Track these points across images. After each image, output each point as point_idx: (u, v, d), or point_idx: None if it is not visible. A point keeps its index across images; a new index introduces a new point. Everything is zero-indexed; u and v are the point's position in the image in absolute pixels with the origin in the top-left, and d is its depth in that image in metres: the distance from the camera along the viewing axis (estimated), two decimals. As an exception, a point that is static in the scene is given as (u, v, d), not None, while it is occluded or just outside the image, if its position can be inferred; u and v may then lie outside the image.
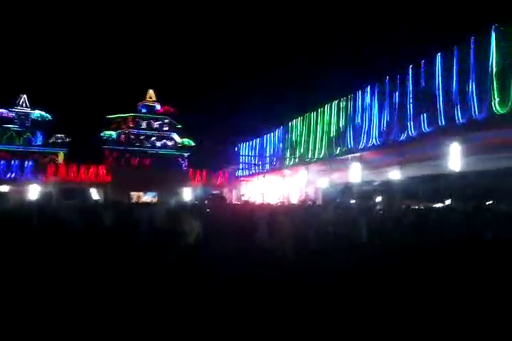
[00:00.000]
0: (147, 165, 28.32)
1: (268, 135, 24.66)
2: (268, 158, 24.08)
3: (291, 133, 21.78)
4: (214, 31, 48.31)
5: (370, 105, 16.13)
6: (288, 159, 21.38)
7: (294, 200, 17.75)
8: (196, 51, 51.53)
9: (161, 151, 30.96)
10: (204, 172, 27.35)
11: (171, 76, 46.52)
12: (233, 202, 20.18)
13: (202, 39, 52.96)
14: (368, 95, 16.38)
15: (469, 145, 11.27)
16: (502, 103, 10.53)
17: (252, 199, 20.19)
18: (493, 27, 11.12)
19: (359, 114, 16.64)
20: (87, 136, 28.22)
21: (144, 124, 30.81)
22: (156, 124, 31.06)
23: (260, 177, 23.53)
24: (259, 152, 25.55)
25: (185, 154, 31.62)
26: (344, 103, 17.80)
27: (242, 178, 26.78)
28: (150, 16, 53.37)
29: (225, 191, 27.69)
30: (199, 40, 48.91)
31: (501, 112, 10.29)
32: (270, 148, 24.23)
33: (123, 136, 30.14)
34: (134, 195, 24.98)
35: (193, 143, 31.46)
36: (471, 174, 10.65)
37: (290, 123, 21.95)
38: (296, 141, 21.09)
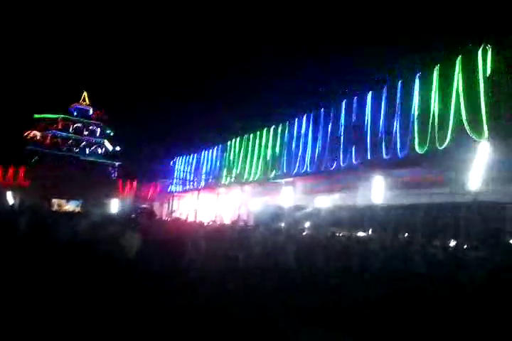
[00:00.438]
0: (73, 171, 26.81)
1: (205, 152, 24.77)
2: (204, 175, 24.10)
3: (229, 153, 22.08)
4: (157, 40, 47.80)
5: (305, 133, 16.95)
6: (224, 178, 21.58)
7: (227, 220, 17.88)
8: (141, 60, 50.57)
9: (90, 158, 29.59)
10: (135, 184, 26.55)
11: (109, 81, 44.94)
12: (163, 218, 19.80)
13: (147, 48, 52.12)
14: (304, 124, 17.25)
15: (391, 179, 12.30)
16: (421, 143, 11.66)
17: (183, 216, 19.98)
18: (418, 75, 12.35)
19: (294, 141, 17.42)
20: (9, 134, 26.17)
21: (74, 128, 29.34)
22: (87, 129, 29.75)
23: (194, 193, 23.41)
24: (195, 168, 25.48)
25: (116, 163, 30.55)
26: (281, 129, 18.55)
27: (174, 193, 26.39)
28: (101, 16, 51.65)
29: (156, 205, 27.08)
30: (144, 49, 48.11)
31: (420, 152, 11.36)
32: (207, 165, 24.31)
33: (49, 137, 28.40)
34: (55, 202, 23.53)
35: (124, 153, 30.58)
36: (390, 207, 11.59)
37: (229, 143, 22.30)
38: (233, 160, 21.43)
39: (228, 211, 20.46)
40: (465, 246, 9.03)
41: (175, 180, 27.20)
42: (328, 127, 15.82)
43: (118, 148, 30.61)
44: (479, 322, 5.97)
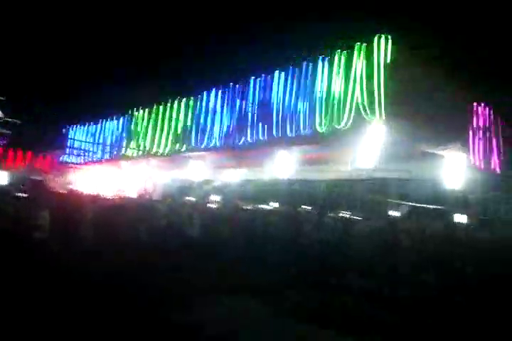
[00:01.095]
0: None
1: (109, 122, 23.38)
2: (105, 146, 22.84)
3: (135, 124, 21.16)
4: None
5: (215, 108, 16.97)
6: (130, 150, 20.73)
7: (132, 194, 17.47)
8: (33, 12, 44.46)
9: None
10: (28, 155, 24.30)
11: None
12: (57, 191, 18.58)
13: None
14: (213, 97, 17.22)
15: (296, 156, 13.07)
16: (322, 123, 12.48)
17: (82, 190, 18.96)
18: (321, 58, 13.00)
19: (203, 115, 17.36)
20: None
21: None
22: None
23: (96, 166, 22.17)
24: (98, 139, 23.99)
25: (7, 131, 27.48)
26: (192, 102, 18.27)
27: (74, 165, 24.69)
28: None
29: (51, 177, 25.15)
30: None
31: (321, 131, 12.20)
32: (111, 136, 23.02)
33: None
34: None
35: (18, 121, 27.56)
36: (293, 182, 12.41)
37: (136, 114, 21.33)
38: (140, 132, 20.62)
39: (134, 185, 19.91)
40: (358, 217, 10.19)
41: (75, 151, 25.39)
42: (237, 103, 16.02)
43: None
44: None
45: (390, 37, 11.00)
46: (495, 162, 12.76)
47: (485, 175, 12.28)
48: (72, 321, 4.55)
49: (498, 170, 12.70)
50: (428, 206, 11.14)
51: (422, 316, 6.13)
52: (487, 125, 13.00)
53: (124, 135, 21.96)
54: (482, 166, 12.31)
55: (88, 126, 25.15)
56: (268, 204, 12.13)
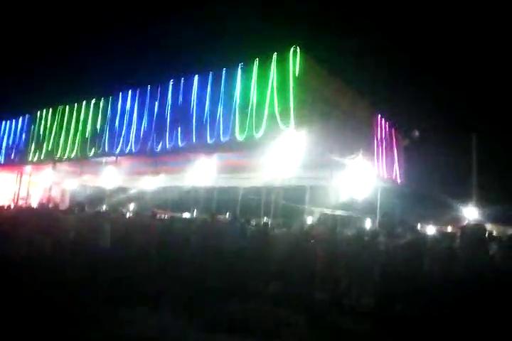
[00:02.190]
0: None
1: (7, 122, 21.16)
2: (4, 150, 20.64)
3: (38, 126, 19.43)
4: None
5: (131, 110, 16.27)
6: (31, 154, 18.97)
7: (35, 203, 16.00)
8: None
9: None
10: None
11: None
12: None
13: None
14: (129, 99, 16.50)
15: (215, 163, 13.09)
16: (241, 130, 12.71)
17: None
18: (240, 65, 13.23)
19: (118, 118, 16.54)
20: None
21: None
22: None
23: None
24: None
25: None
26: (103, 103, 17.31)
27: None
28: None
29: None
30: None
31: (240, 139, 12.40)
32: (8, 138, 20.85)
33: None
34: None
35: None
36: (212, 189, 12.42)
37: (38, 113, 19.60)
38: (43, 134, 18.98)
39: (37, 192, 18.27)
40: (273, 224, 10.53)
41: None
42: (154, 106, 15.54)
43: None
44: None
45: (300, 49, 11.54)
46: (396, 171, 14.12)
47: (388, 184, 13.51)
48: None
49: (398, 179, 14.07)
50: (338, 212, 11.93)
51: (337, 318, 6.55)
52: (387, 137, 14.32)
53: (24, 137, 20.07)
54: (385, 176, 13.52)
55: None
56: (186, 212, 11.97)
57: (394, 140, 14.87)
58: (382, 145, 13.90)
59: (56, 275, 7.66)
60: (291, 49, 11.50)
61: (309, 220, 12.13)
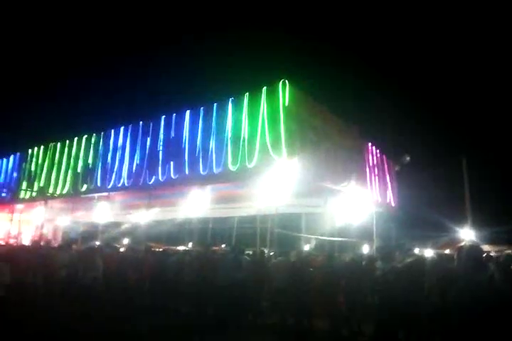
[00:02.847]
0: None
1: (-2, 161, 21.20)
2: (-4, 188, 20.49)
3: (30, 163, 19.45)
4: None
5: (123, 146, 16.43)
6: (23, 192, 18.84)
7: (27, 240, 15.71)
8: None
9: None
10: None
11: None
12: None
13: None
14: (121, 135, 16.69)
15: (208, 194, 13.11)
16: (234, 161, 12.86)
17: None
18: (230, 99, 13.60)
19: (110, 153, 16.64)
20: None
21: None
22: None
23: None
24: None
25: None
26: (95, 139, 17.46)
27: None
28: None
29: None
30: None
31: (233, 169, 12.52)
32: (0, 176, 20.78)
33: None
34: None
35: None
36: (206, 220, 12.34)
37: (30, 151, 19.67)
38: (35, 172, 18.95)
39: (29, 230, 17.97)
40: (271, 253, 10.42)
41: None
42: (146, 141, 15.71)
43: None
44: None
45: (289, 81, 11.93)
46: (390, 196, 14.23)
47: (382, 208, 13.57)
48: None
49: (392, 203, 14.15)
50: (335, 238, 11.88)
51: None
52: (379, 163, 14.56)
53: (15, 175, 20.02)
54: (379, 200, 13.61)
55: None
56: (181, 245, 11.82)
57: (385, 165, 15.11)
58: (374, 172, 14.09)
59: (49, 314, 7.44)
60: (280, 82, 11.89)
61: (306, 247, 12.02)
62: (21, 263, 10.10)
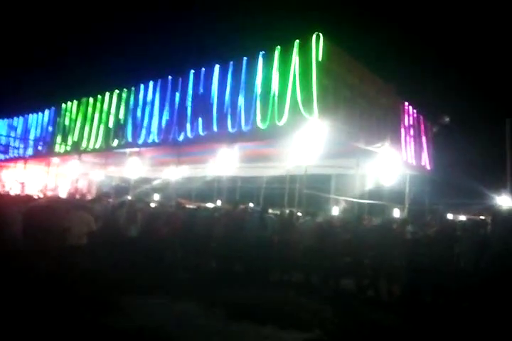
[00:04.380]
0: None
1: (34, 115, 21.68)
2: (32, 142, 21.15)
3: (64, 117, 19.80)
4: None
5: (152, 101, 16.33)
6: (58, 146, 19.36)
7: (63, 193, 16.36)
8: None
9: None
10: None
11: None
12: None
13: None
14: (151, 90, 16.54)
15: (237, 152, 13.00)
16: (263, 119, 12.56)
17: (6, 189, 17.48)
18: (261, 54, 13.00)
19: (140, 108, 16.62)
20: None
21: None
22: None
23: (20, 163, 20.46)
24: (21, 133, 22.18)
25: None
26: (126, 94, 17.42)
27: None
28: None
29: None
30: None
31: (262, 128, 12.25)
32: (36, 130, 21.38)
33: None
34: None
35: None
36: (235, 179, 12.33)
37: (63, 106, 19.96)
38: (69, 126, 19.33)
39: (65, 183, 18.66)
40: (298, 213, 10.38)
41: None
42: (175, 96, 15.52)
43: None
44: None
45: (323, 35, 11.21)
46: (425, 159, 13.68)
47: (416, 171, 13.09)
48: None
49: (428, 166, 13.61)
50: (365, 201, 11.68)
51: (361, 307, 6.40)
52: (415, 124, 13.87)
53: (51, 129, 20.50)
54: (414, 163, 13.12)
55: (10, 119, 23.17)
56: (210, 202, 11.97)
57: (422, 127, 14.41)
58: (409, 133, 13.48)
59: (87, 264, 7.75)
60: (314, 35, 11.19)
61: (335, 209, 11.92)
62: (61, 214, 10.48)
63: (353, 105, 11.73)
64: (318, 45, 11.22)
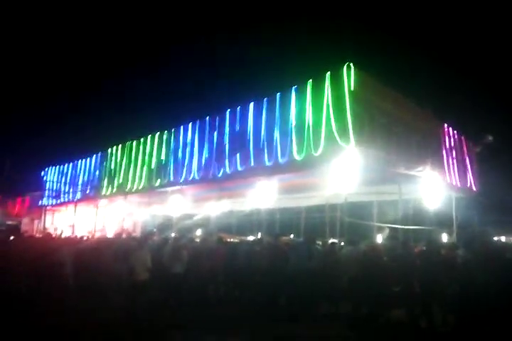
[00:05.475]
0: None
1: (82, 161, 23.08)
2: (81, 186, 22.35)
3: (109, 161, 20.93)
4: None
5: (191, 141, 17.01)
6: (105, 188, 20.33)
7: (111, 233, 16.93)
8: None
9: None
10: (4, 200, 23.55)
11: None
12: (33, 235, 17.96)
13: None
14: (190, 131, 17.31)
15: (274, 184, 13.10)
16: (299, 151, 12.67)
17: (58, 232, 18.32)
18: (293, 88, 13.37)
19: (180, 149, 17.34)
20: None
21: None
22: None
23: (71, 206, 21.54)
24: (71, 179, 23.55)
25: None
26: (166, 136, 18.28)
27: (47, 207, 23.97)
28: None
29: (25, 221, 24.32)
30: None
31: (298, 159, 12.33)
32: (84, 175, 22.65)
33: None
34: None
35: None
36: (274, 210, 12.31)
37: (109, 150, 21.16)
38: (114, 169, 20.34)
39: (112, 223, 19.35)
40: (341, 243, 10.12)
41: (47, 193, 24.70)
42: (213, 135, 16.11)
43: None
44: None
45: (354, 64, 11.41)
46: (470, 180, 13.11)
47: (462, 193, 12.54)
48: None
49: (474, 188, 13.02)
50: (410, 227, 11.23)
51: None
52: (457, 145, 13.48)
53: (98, 173, 21.64)
54: (459, 185, 12.61)
55: (61, 166, 24.73)
56: (251, 235, 11.97)
57: (465, 148, 13.95)
58: (452, 154, 13.08)
59: (132, 302, 7.85)
60: (345, 65, 11.43)
61: (379, 237, 11.51)
62: (108, 253, 10.81)
63: (389, 131, 11.64)
64: (349, 75, 11.40)
